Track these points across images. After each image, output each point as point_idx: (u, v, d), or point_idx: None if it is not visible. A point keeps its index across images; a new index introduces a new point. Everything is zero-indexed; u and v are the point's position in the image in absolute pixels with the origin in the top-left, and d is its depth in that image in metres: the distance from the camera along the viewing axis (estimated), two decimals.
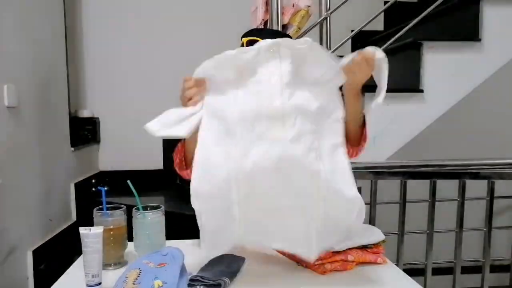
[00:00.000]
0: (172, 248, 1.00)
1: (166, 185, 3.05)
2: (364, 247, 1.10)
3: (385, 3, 2.56)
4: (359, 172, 1.84)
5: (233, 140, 0.94)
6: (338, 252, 1.06)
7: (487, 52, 2.14)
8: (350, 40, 2.84)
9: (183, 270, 0.95)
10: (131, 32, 3.05)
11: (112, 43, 3.04)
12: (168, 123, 1.00)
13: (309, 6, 1.93)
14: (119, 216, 1.11)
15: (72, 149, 2.60)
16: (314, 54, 0.97)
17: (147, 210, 1.13)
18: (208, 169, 0.94)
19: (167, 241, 1.16)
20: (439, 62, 2.14)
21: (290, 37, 1.27)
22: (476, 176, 1.91)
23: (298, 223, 0.96)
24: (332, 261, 1.05)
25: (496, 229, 2.01)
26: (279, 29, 1.90)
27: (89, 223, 1.06)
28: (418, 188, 2.00)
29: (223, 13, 3.06)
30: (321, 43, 2.16)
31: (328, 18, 2.13)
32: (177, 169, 1.19)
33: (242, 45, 1.19)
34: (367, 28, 2.38)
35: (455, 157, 1.99)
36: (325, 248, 1.00)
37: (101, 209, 1.11)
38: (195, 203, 0.94)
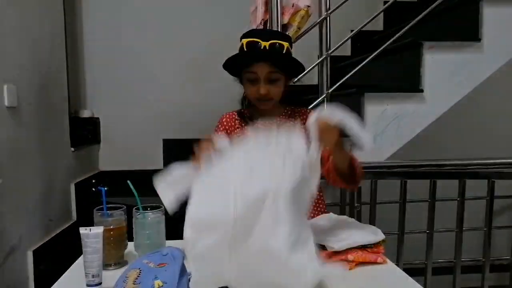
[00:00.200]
0: (172, 248, 0.99)
1: None
2: (364, 247, 1.10)
3: (385, 3, 2.56)
4: None
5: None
6: (338, 252, 1.06)
7: (487, 52, 2.15)
8: (350, 40, 2.85)
9: (183, 270, 0.94)
10: (131, 32, 3.05)
11: (112, 43, 3.04)
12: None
13: (308, 6, 1.93)
14: (119, 216, 1.11)
15: (72, 149, 2.60)
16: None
17: (147, 210, 1.13)
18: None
19: (167, 241, 1.16)
20: (439, 62, 2.14)
21: (289, 37, 1.27)
22: (476, 176, 1.91)
23: None
24: (332, 261, 1.05)
25: (496, 229, 2.01)
26: (279, 29, 1.90)
27: (89, 223, 1.06)
28: (418, 188, 2.00)
29: (223, 13, 3.06)
30: (320, 43, 2.16)
31: (328, 18, 2.13)
32: None
33: (242, 46, 1.19)
34: (367, 28, 2.37)
35: (455, 157, 1.99)
36: None
37: (101, 209, 1.11)
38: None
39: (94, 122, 3.00)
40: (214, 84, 2.90)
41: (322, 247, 1.05)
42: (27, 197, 2.05)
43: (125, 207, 1.13)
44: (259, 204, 0.86)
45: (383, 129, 2.09)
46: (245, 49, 1.18)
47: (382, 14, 2.92)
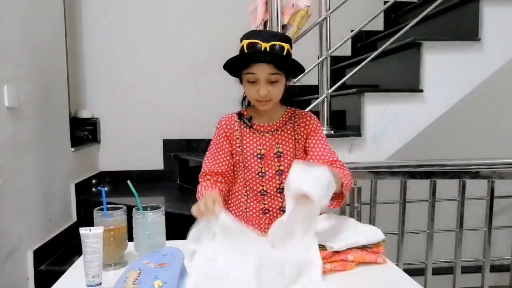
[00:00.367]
0: (172, 248, 1.00)
1: (166, 185, 3.06)
2: (364, 247, 1.10)
3: (385, 3, 2.57)
4: (359, 172, 1.84)
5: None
6: (338, 252, 1.06)
7: (486, 52, 2.15)
8: (350, 40, 2.85)
9: (183, 270, 0.94)
10: (131, 32, 3.05)
11: (112, 44, 3.04)
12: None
13: (308, 6, 1.93)
14: (119, 216, 1.11)
15: (72, 149, 2.61)
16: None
17: (147, 210, 1.13)
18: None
19: (167, 241, 1.16)
20: (439, 62, 2.14)
21: (290, 39, 1.27)
22: (476, 175, 1.91)
23: None
24: (332, 261, 1.05)
25: (496, 229, 2.01)
26: (279, 29, 1.90)
27: (89, 223, 1.06)
28: (418, 188, 2.00)
29: (223, 13, 3.06)
30: (320, 43, 2.16)
31: (328, 18, 2.13)
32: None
33: (242, 48, 1.19)
34: (367, 28, 2.38)
35: (455, 157, 1.99)
36: None
37: (101, 209, 1.11)
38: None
39: (94, 122, 3.00)
40: (214, 84, 2.91)
41: (322, 247, 1.05)
42: (27, 197, 2.05)
43: (125, 207, 1.13)
44: None
45: (383, 129, 2.09)
46: (246, 50, 1.19)
47: (382, 14, 2.92)
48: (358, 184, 1.86)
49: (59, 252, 2.28)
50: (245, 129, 1.30)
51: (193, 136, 3.10)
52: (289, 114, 1.32)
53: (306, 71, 1.47)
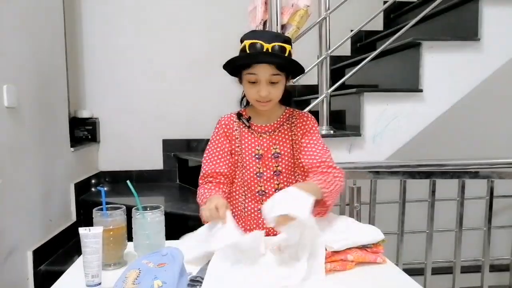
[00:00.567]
0: (172, 248, 0.99)
1: (166, 185, 3.06)
2: (363, 247, 1.10)
3: (385, 2, 2.57)
4: (359, 172, 1.85)
5: None
6: (337, 252, 1.06)
7: (486, 52, 2.15)
8: (349, 40, 2.86)
9: (182, 270, 0.94)
10: (131, 32, 3.05)
11: (112, 43, 3.04)
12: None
13: (308, 6, 1.93)
14: (118, 216, 1.11)
15: (72, 149, 2.60)
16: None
17: (147, 210, 1.13)
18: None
19: (167, 241, 1.16)
20: (439, 62, 2.14)
21: (290, 40, 1.27)
22: (475, 175, 1.91)
23: None
24: (332, 260, 1.05)
25: (495, 229, 2.01)
26: (279, 29, 1.90)
27: (89, 223, 1.06)
28: (417, 188, 2.00)
29: (223, 13, 3.06)
30: (320, 43, 2.16)
31: (328, 18, 2.13)
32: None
33: (244, 48, 1.19)
34: (366, 28, 2.38)
35: (454, 157, 1.99)
36: None
37: (101, 209, 1.11)
38: None
39: (93, 122, 3.00)
40: (214, 84, 2.91)
41: None
42: (27, 197, 2.05)
43: (124, 207, 1.13)
44: None
45: (383, 129, 2.09)
46: (248, 51, 1.18)
47: (381, 14, 2.92)
48: (358, 184, 1.86)
49: (58, 252, 2.28)
50: (244, 129, 1.30)
51: (193, 136, 3.10)
52: (287, 115, 1.32)
53: (306, 71, 1.47)
